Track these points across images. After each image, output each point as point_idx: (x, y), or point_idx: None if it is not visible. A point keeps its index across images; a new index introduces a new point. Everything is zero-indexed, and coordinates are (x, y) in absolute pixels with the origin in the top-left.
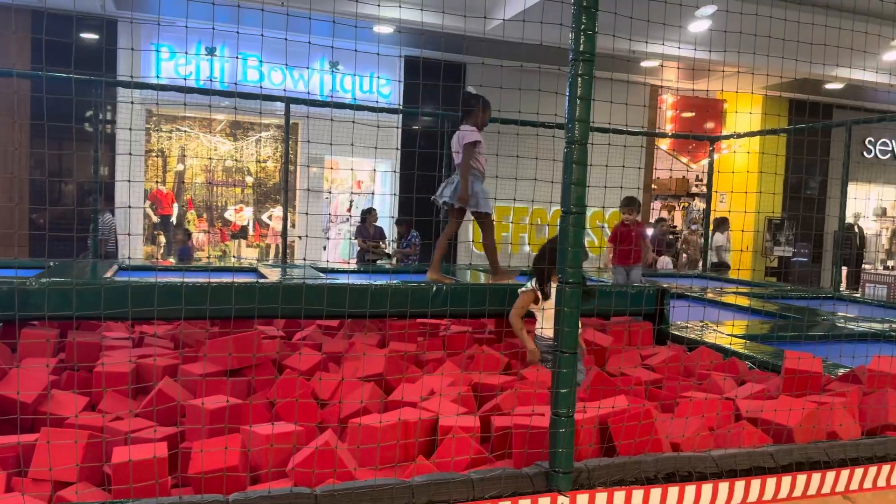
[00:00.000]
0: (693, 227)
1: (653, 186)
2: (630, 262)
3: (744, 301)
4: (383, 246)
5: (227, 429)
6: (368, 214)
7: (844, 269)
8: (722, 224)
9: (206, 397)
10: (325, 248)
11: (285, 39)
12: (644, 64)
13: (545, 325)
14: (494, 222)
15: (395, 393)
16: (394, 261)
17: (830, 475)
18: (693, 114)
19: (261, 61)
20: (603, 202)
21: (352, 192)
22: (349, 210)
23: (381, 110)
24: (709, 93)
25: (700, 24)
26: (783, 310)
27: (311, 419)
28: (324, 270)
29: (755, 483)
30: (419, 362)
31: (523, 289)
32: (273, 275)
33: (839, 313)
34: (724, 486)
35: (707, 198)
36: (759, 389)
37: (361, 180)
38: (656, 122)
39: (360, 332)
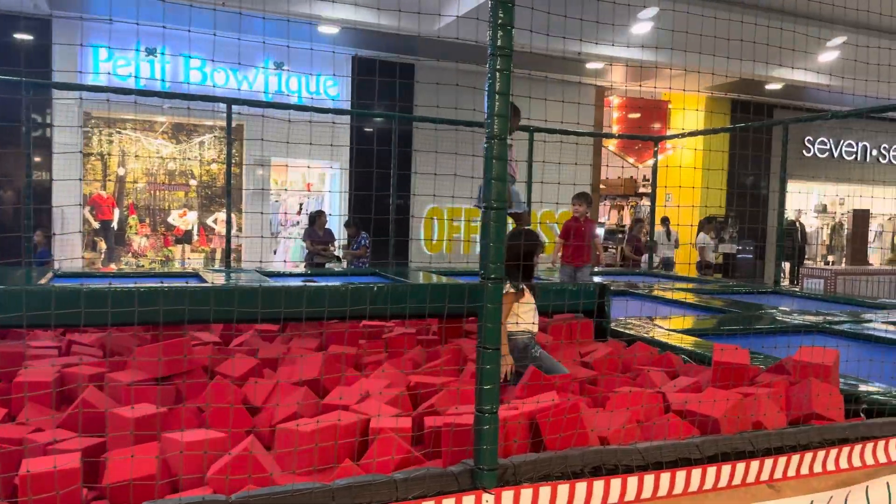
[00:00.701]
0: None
1: (601, 186)
2: (581, 262)
3: (686, 297)
4: (332, 248)
5: (158, 436)
6: (318, 217)
7: (787, 265)
8: (707, 224)
9: (131, 406)
10: (275, 252)
11: (214, 34)
12: (590, 66)
13: (523, 320)
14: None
15: (330, 396)
16: (344, 263)
17: (755, 464)
18: (639, 115)
19: (203, 62)
20: (556, 199)
21: (300, 193)
22: (299, 213)
23: (324, 111)
24: (654, 94)
25: (643, 26)
26: (725, 305)
27: (241, 425)
28: (270, 274)
29: (681, 474)
30: (359, 365)
31: (505, 291)
32: (215, 279)
33: (777, 307)
34: (649, 479)
35: (652, 197)
36: (689, 382)
37: (311, 182)
38: (603, 123)
39: (298, 336)
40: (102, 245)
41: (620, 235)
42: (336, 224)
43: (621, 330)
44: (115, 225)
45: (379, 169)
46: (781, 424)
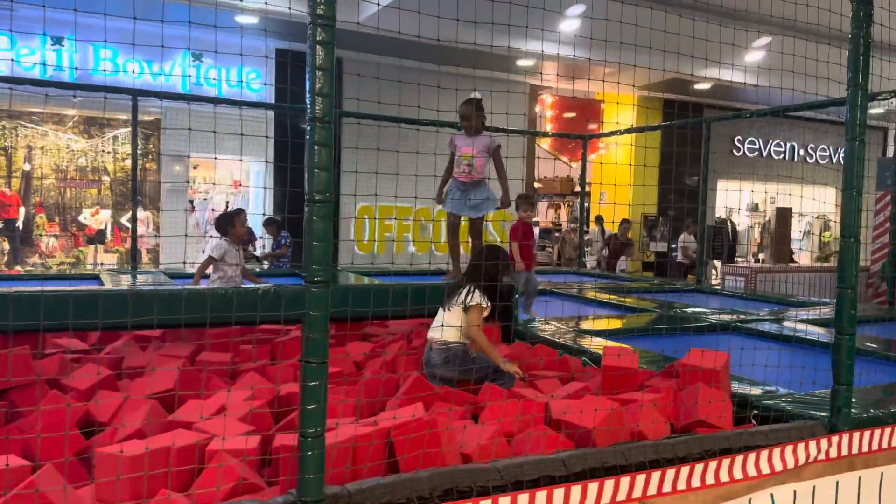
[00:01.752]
0: (573, 226)
1: (537, 185)
2: (531, 266)
3: (607, 296)
4: (251, 249)
5: None
6: (237, 216)
7: (718, 263)
8: (692, 225)
9: None
10: (203, 252)
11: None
12: (521, 63)
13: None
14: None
15: (180, 411)
16: (264, 264)
17: (625, 480)
18: (574, 114)
19: (115, 52)
20: None
21: (224, 191)
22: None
23: (237, 103)
24: (588, 93)
25: (571, 24)
26: (646, 305)
27: (73, 447)
28: (177, 276)
29: (541, 494)
30: (234, 374)
31: (472, 303)
32: (116, 282)
33: (697, 306)
34: (505, 500)
35: (581, 196)
36: (579, 388)
37: (238, 179)
38: (536, 122)
39: (174, 344)
40: (6, 245)
41: (557, 234)
42: (257, 222)
43: (538, 332)
44: (20, 224)
45: (296, 165)
46: (665, 434)
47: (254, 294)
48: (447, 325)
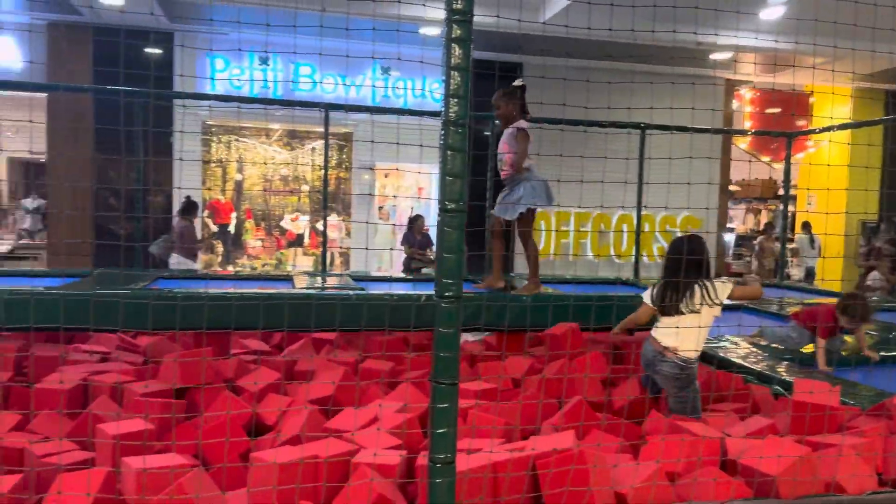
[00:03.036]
0: (773, 234)
1: (734, 188)
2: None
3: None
4: (429, 253)
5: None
6: (415, 221)
7: None
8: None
9: (145, 415)
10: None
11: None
12: (714, 56)
13: (683, 347)
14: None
15: (337, 419)
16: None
17: None
18: (778, 110)
19: (314, 69)
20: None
21: (409, 198)
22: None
23: (419, 113)
24: (794, 86)
25: (773, 11)
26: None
27: (237, 448)
28: (361, 279)
29: None
30: (391, 383)
31: (718, 300)
32: (305, 285)
33: None
34: None
35: (784, 200)
36: (762, 426)
37: (423, 187)
38: (732, 120)
39: (343, 348)
40: (220, 248)
41: (754, 242)
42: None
43: (724, 353)
44: (231, 229)
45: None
46: (869, 489)
47: (415, 301)
48: (703, 326)
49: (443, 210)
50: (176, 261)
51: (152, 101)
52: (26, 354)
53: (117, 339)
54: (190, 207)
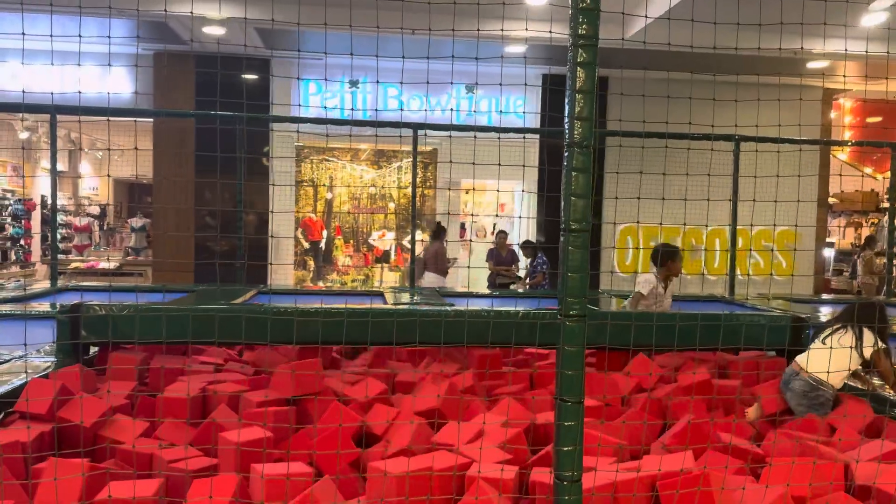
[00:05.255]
0: (878, 249)
1: (833, 201)
2: None
3: None
4: (515, 270)
5: (238, 467)
6: (500, 238)
7: None
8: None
9: (264, 423)
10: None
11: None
12: (812, 65)
13: (815, 369)
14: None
15: (443, 431)
16: (527, 285)
17: None
18: (880, 118)
19: (400, 90)
20: (773, 219)
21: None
22: (493, 234)
23: (506, 130)
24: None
25: (874, 18)
26: None
27: (347, 458)
28: (449, 295)
29: None
30: (491, 397)
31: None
32: (397, 300)
33: None
34: None
35: (890, 213)
36: (892, 449)
37: (504, 203)
38: (831, 130)
39: (438, 361)
40: (312, 264)
41: (855, 257)
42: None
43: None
44: (322, 245)
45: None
46: None
47: (513, 317)
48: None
49: (567, 230)
50: (429, 279)
51: (243, 125)
52: (147, 367)
53: (224, 351)
54: (440, 231)
